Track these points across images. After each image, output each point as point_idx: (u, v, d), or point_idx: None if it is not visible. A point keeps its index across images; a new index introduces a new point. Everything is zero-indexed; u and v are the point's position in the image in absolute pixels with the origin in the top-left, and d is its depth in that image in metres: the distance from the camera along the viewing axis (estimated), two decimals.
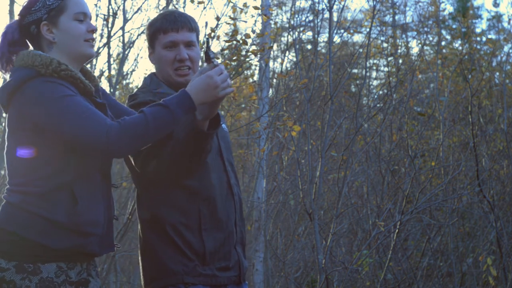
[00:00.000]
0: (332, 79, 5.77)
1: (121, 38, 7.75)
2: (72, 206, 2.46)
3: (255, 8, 6.68)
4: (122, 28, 7.49)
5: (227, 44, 6.37)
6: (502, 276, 6.50)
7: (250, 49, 6.62)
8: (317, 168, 5.73)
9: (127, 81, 9.88)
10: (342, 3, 6.43)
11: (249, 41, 6.52)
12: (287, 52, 9.92)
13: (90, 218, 2.49)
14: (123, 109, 2.73)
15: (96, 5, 7.01)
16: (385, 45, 11.07)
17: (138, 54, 9.68)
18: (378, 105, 7.89)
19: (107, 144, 2.40)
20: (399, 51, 12.04)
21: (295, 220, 7.68)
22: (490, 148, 7.83)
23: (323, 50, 12.09)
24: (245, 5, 6.99)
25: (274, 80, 9.14)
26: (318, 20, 7.05)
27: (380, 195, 7.31)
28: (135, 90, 3.14)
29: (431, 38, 13.28)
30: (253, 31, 7.16)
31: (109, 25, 7.20)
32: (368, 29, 7.32)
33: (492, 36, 16.68)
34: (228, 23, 7.08)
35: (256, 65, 8.82)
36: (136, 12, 7.55)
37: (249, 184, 8.31)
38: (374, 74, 12.93)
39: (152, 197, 2.81)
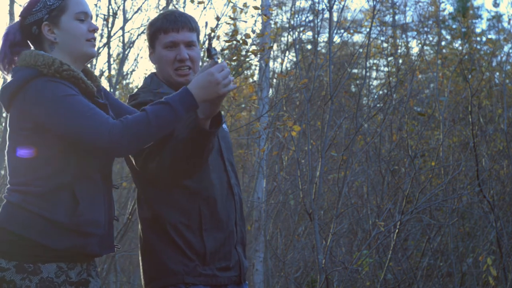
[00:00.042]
0: (332, 79, 5.77)
1: (121, 38, 7.76)
2: (73, 206, 2.46)
3: (255, 8, 6.68)
4: (122, 28, 7.50)
5: (227, 44, 6.37)
6: (502, 276, 6.50)
7: (250, 49, 6.62)
8: (317, 168, 5.73)
9: (127, 81, 9.88)
10: (342, 3, 6.44)
11: (249, 41, 6.52)
12: (287, 52, 9.93)
13: (91, 218, 2.49)
14: (124, 108, 2.73)
15: (96, 5, 7.02)
16: (385, 45, 11.07)
17: (138, 54, 9.67)
18: (378, 105, 7.89)
19: (110, 143, 2.40)
20: (399, 51, 12.04)
21: (295, 220, 7.68)
22: (490, 148, 7.83)
23: (323, 50, 12.10)
24: (245, 5, 6.99)
25: (274, 80, 9.14)
26: (318, 20, 7.05)
27: (380, 195, 7.31)
28: (135, 90, 3.15)
29: (431, 38, 13.29)
30: (253, 31, 7.16)
31: (109, 25, 7.21)
32: (368, 29, 7.32)
33: (492, 36, 16.70)
34: (228, 23, 7.08)
35: (256, 65, 8.82)
36: (136, 12, 7.56)
37: (249, 184, 8.31)
38: (374, 74, 12.94)
39: (152, 197, 2.81)
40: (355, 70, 11.18)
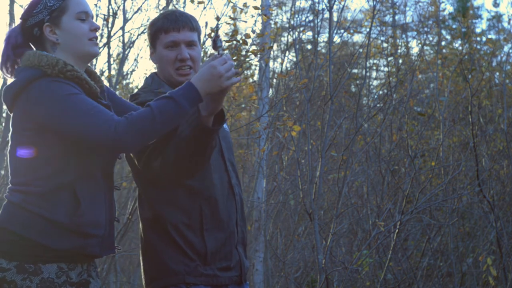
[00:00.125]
0: (332, 79, 5.77)
1: (121, 38, 7.76)
2: (74, 206, 2.46)
3: (255, 8, 6.68)
4: (122, 28, 7.50)
5: (227, 44, 6.37)
6: (502, 276, 6.50)
7: (250, 49, 6.62)
8: (317, 168, 5.73)
9: (127, 81, 9.88)
10: (342, 3, 6.44)
11: (249, 41, 6.52)
12: (287, 52, 9.93)
13: (92, 219, 2.49)
14: (128, 106, 2.73)
15: (96, 5, 7.02)
16: (385, 45, 11.08)
17: (138, 54, 9.67)
18: (378, 105, 7.89)
19: (115, 140, 2.40)
20: (399, 51, 12.05)
21: (295, 220, 7.68)
22: (490, 148, 7.83)
23: (323, 50, 12.10)
24: (245, 5, 6.99)
25: (274, 80, 9.14)
26: (318, 20, 7.05)
27: (380, 195, 7.31)
28: (135, 90, 3.15)
29: (431, 38, 13.29)
30: (253, 31, 7.17)
31: (109, 25, 7.21)
32: (368, 29, 7.32)
33: (492, 36, 16.70)
34: (228, 23, 7.08)
35: (256, 65, 8.82)
36: (136, 12, 7.56)
37: (249, 184, 8.31)
38: (374, 74, 12.94)
39: (153, 196, 2.81)
40: (355, 70, 11.19)
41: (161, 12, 3.71)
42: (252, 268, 7.21)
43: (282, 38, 9.87)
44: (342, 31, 8.06)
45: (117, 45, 11.01)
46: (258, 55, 6.95)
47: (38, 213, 2.43)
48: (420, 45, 12.78)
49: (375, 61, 12.09)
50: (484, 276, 6.81)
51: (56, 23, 2.57)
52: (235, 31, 6.93)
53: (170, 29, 2.89)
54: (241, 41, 6.21)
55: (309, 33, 11.92)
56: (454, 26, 16.13)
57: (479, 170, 6.35)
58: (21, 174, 2.50)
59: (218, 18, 6.65)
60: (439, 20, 12.50)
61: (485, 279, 6.81)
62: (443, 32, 15.30)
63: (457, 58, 10.26)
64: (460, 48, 11.48)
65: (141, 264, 2.87)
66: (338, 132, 7.15)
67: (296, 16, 8.35)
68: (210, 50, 7.20)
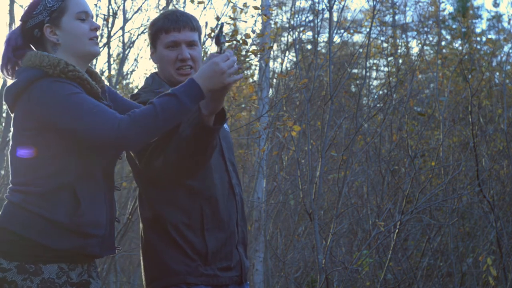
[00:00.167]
0: (332, 79, 5.77)
1: (121, 38, 7.77)
2: (74, 207, 2.46)
3: (255, 8, 6.68)
4: (122, 28, 7.51)
5: (227, 44, 6.37)
6: (502, 276, 6.50)
7: (250, 49, 6.62)
8: (317, 168, 5.73)
9: (127, 81, 9.88)
10: (342, 3, 6.44)
11: (249, 41, 6.52)
12: (287, 52, 9.93)
13: (92, 219, 2.49)
14: (130, 104, 2.73)
15: (96, 5, 7.02)
16: (385, 45, 11.08)
17: (138, 54, 9.69)
18: (378, 105, 7.89)
19: (119, 137, 2.40)
20: (399, 51, 12.05)
21: (295, 220, 7.68)
22: (490, 148, 7.83)
23: (323, 50, 12.10)
24: (245, 5, 6.99)
25: (274, 80, 9.14)
26: (318, 20, 7.05)
27: (380, 195, 7.32)
28: (135, 90, 3.14)
29: (431, 38, 13.30)
30: (253, 31, 7.17)
31: (109, 25, 7.21)
32: (368, 29, 7.32)
33: (492, 36, 16.70)
34: (228, 23, 7.08)
35: (256, 65, 8.83)
36: (136, 12, 7.57)
37: (249, 184, 8.31)
38: (374, 74, 12.95)
39: (154, 196, 2.81)
40: (355, 70, 11.19)
41: (162, 12, 3.70)
42: (252, 268, 7.21)
43: (282, 38, 9.88)
44: (342, 31, 8.06)
45: (117, 45, 11.01)
46: (258, 55, 6.95)
47: (38, 213, 2.43)
48: (420, 45, 12.79)
49: (375, 61, 12.10)
50: (484, 276, 6.82)
51: (56, 24, 2.57)
52: (235, 31, 6.94)
53: (171, 29, 2.89)
54: (241, 41, 6.21)
55: (309, 33, 11.93)
56: (454, 26, 16.14)
57: (479, 170, 6.35)
58: (21, 174, 2.50)
59: (218, 18, 6.65)
60: (439, 20, 12.50)
61: (485, 279, 6.81)
62: (443, 32, 15.31)
63: (457, 58, 10.26)
64: (460, 48, 11.49)
65: (142, 264, 2.87)
66: (338, 132, 7.15)
67: (296, 16, 8.35)
68: (210, 50, 7.20)
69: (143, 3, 7.62)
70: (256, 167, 7.57)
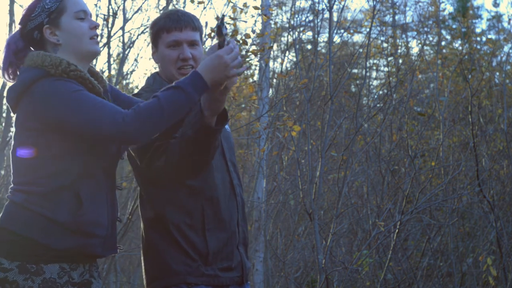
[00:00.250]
0: (332, 79, 5.77)
1: (121, 38, 7.76)
2: (76, 207, 2.46)
3: (255, 8, 6.69)
4: (122, 28, 7.51)
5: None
6: (502, 276, 6.50)
7: (250, 49, 6.63)
8: (317, 168, 5.73)
9: (127, 81, 9.88)
10: (342, 3, 6.45)
11: (249, 41, 6.52)
12: (287, 52, 9.93)
13: (93, 218, 2.49)
14: (133, 100, 2.73)
15: (96, 5, 7.02)
16: (385, 45, 11.08)
17: (138, 54, 9.69)
18: (378, 105, 7.89)
19: (124, 131, 2.40)
20: (399, 51, 12.06)
21: (295, 220, 7.68)
22: (490, 148, 7.84)
23: (323, 50, 12.10)
24: (245, 5, 6.99)
25: (274, 80, 9.14)
26: (318, 20, 7.06)
27: (380, 195, 7.32)
28: (135, 90, 3.14)
29: (431, 38, 13.31)
30: (253, 31, 7.17)
31: (109, 25, 7.21)
32: (368, 29, 7.32)
33: (492, 36, 16.71)
34: (228, 23, 7.08)
35: (256, 65, 8.83)
36: (136, 12, 7.57)
37: (249, 184, 8.31)
38: (374, 74, 12.95)
39: (155, 196, 2.81)
40: (355, 70, 11.19)
41: (163, 11, 3.70)
42: (252, 268, 7.21)
43: (282, 38, 9.88)
44: (342, 31, 8.07)
45: (117, 45, 11.02)
46: (258, 55, 6.95)
47: (40, 213, 2.43)
48: (420, 45, 12.79)
49: (375, 61, 12.10)
50: (484, 276, 6.82)
51: (56, 25, 2.57)
52: (235, 31, 6.94)
53: (172, 28, 2.89)
54: (241, 41, 6.21)
55: (309, 33, 11.94)
56: (454, 26, 16.14)
57: (479, 170, 6.36)
58: (23, 174, 2.50)
59: (218, 18, 6.65)
60: (439, 20, 12.51)
61: (485, 279, 6.81)
62: (443, 32, 15.31)
63: (457, 58, 10.26)
64: (460, 48, 11.49)
65: (142, 263, 2.87)
66: (338, 132, 7.15)
67: (296, 16, 8.36)
68: None
69: (143, 3, 7.63)
70: (256, 167, 7.57)
